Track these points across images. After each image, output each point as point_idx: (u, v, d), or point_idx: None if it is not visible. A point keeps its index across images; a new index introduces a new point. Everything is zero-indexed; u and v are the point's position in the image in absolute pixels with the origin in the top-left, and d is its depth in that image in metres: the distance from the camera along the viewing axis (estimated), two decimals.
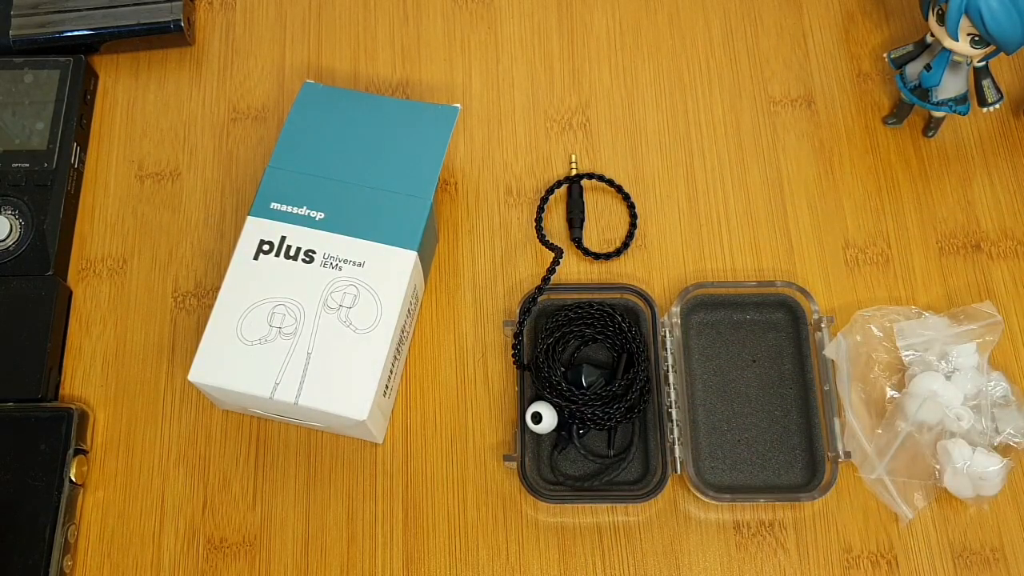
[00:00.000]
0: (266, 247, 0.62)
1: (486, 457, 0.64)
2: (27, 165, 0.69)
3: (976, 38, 0.63)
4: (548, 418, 0.62)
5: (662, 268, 0.69)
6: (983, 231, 0.70)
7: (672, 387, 0.63)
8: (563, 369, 0.65)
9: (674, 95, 0.74)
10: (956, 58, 0.65)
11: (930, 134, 0.72)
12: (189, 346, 0.67)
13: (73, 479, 0.62)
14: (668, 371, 0.64)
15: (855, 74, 0.75)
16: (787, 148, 0.73)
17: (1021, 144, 0.73)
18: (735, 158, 0.72)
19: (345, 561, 0.62)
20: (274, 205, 0.63)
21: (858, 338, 0.65)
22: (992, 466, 0.60)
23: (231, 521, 0.63)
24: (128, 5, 0.74)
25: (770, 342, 0.66)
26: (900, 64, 0.69)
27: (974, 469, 0.60)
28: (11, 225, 0.67)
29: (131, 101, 0.74)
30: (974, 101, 0.68)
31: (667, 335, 0.65)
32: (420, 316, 0.68)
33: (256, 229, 0.63)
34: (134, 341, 0.67)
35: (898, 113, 0.72)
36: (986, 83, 0.67)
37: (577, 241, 0.70)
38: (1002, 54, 0.63)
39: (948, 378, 0.63)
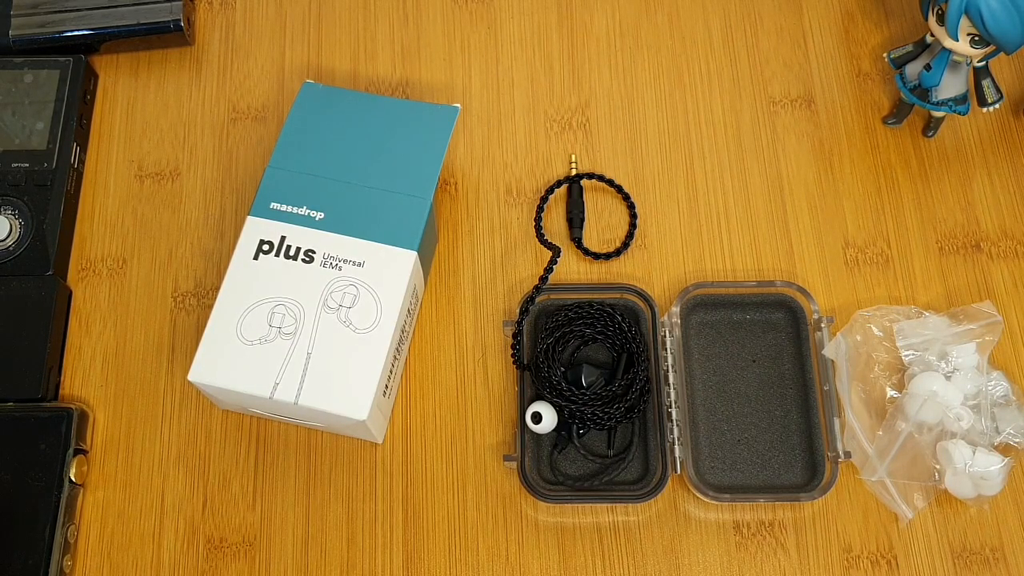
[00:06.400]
0: (266, 247, 0.62)
1: (486, 457, 0.64)
2: (27, 165, 0.69)
3: (976, 38, 0.63)
4: (548, 418, 0.62)
5: (662, 268, 0.69)
6: (983, 231, 0.70)
7: (672, 387, 0.63)
8: (563, 369, 0.65)
9: (674, 95, 0.75)
10: (956, 58, 0.65)
11: (930, 134, 0.72)
12: (189, 346, 0.67)
13: (73, 479, 0.62)
14: (668, 371, 0.64)
15: (855, 74, 0.75)
16: (787, 148, 0.73)
17: (1021, 144, 0.73)
18: (735, 158, 0.72)
19: (345, 561, 0.62)
20: (274, 205, 0.63)
21: (858, 338, 0.65)
22: (993, 466, 0.60)
23: (231, 521, 0.63)
24: (128, 5, 0.74)
25: (770, 342, 0.66)
26: (900, 64, 0.69)
27: (975, 469, 0.60)
28: (11, 225, 0.67)
29: (131, 101, 0.74)
30: (974, 101, 0.68)
31: (667, 335, 0.65)
32: (420, 316, 0.68)
33: (256, 229, 0.63)
34: (134, 341, 0.67)
35: (898, 113, 0.72)
36: (986, 83, 0.67)
37: (577, 241, 0.70)
38: (1002, 54, 0.63)
39: (948, 378, 0.63)
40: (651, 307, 0.65)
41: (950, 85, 0.67)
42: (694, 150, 0.73)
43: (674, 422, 0.62)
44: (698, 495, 0.61)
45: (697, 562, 0.62)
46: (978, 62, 0.66)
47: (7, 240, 0.67)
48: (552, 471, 0.63)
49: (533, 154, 0.73)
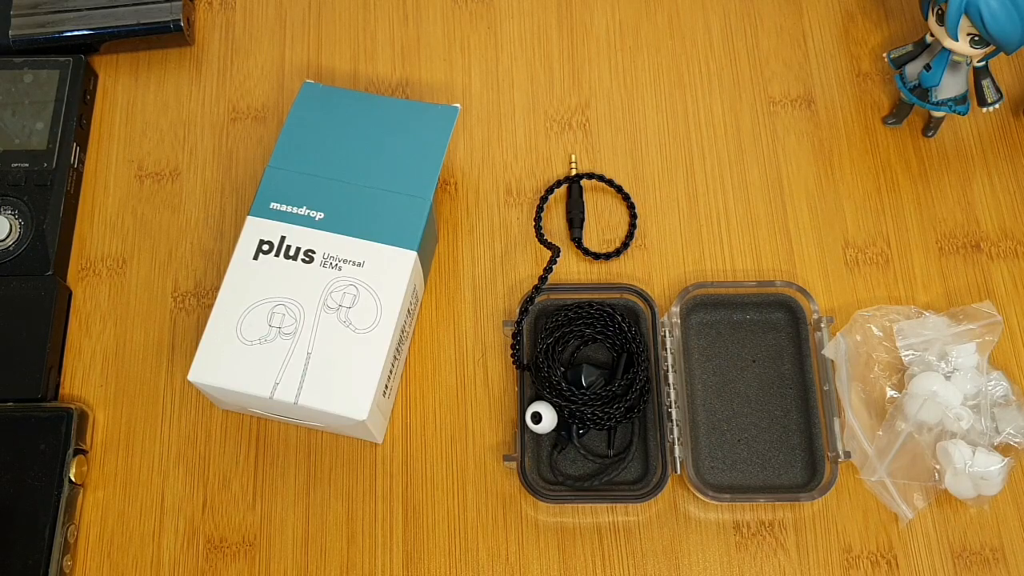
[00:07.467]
0: (266, 247, 0.62)
1: (486, 457, 0.64)
2: (27, 165, 0.69)
3: (976, 38, 0.63)
4: (548, 418, 0.62)
5: (662, 268, 0.69)
6: (983, 231, 0.70)
7: (672, 387, 0.63)
8: (563, 369, 0.65)
9: (674, 95, 0.75)
10: (956, 58, 0.65)
11: (930, 134, 0.72)
12: (189, 346, 0.67)
13: (73, 479, 0.62)
14: (668, 371, 0.64)
15: (855, 74, 0.75)
16: (787, 148, 0.73)
17: (1021, 144, 0.73)
18: (735, 158, 0.72)
19: (345, 561, 0.62)
20: (274, 205, 0.63)
21: (858, 338, 0.65)
22: (993, 466, 0.60)
23: (231, 521, 0.63)
24: (128, 5, 0.74)
25: (770, 342, 0.66)
26: (900, 64, 0.69)
27: (975, 469, 0.60)
28: (11, 225, 0.67)
29: (131, 101, 0.74)
30: (974, 101, 0.68)
31: (667, 335, 0.65)
32: (420, 316, 0.68)
33: (256, 229, 0.63)
34: (134, 341, 0.67)
35: (898, 113, 0.72)
36: (986, 83, 0.67)
37: (577, 241, 0.70)
38: (1002, 54, 0.63)
39: (948, 378, 0.63)
40: (651, 307, 0.65)
41: (950, 85, 0.67)
42: (694, 150, 0.73)
43: (674, 422, 0.62)
44: (698, 495, 0.61)
45: (697, 562, 0.62)
46: (978, 62, 0.66)
47: (7, 240, 0.67)
48: (552, 471, 0.63)
49: (533, 154, 0.73)
